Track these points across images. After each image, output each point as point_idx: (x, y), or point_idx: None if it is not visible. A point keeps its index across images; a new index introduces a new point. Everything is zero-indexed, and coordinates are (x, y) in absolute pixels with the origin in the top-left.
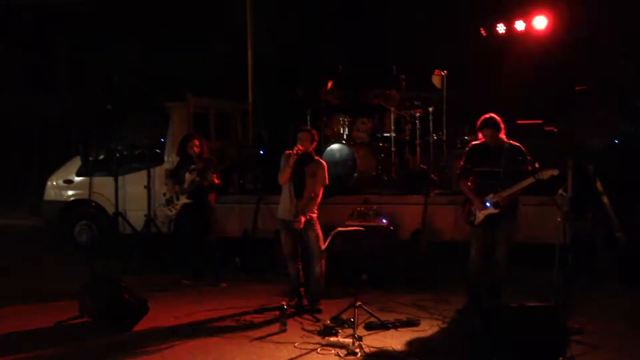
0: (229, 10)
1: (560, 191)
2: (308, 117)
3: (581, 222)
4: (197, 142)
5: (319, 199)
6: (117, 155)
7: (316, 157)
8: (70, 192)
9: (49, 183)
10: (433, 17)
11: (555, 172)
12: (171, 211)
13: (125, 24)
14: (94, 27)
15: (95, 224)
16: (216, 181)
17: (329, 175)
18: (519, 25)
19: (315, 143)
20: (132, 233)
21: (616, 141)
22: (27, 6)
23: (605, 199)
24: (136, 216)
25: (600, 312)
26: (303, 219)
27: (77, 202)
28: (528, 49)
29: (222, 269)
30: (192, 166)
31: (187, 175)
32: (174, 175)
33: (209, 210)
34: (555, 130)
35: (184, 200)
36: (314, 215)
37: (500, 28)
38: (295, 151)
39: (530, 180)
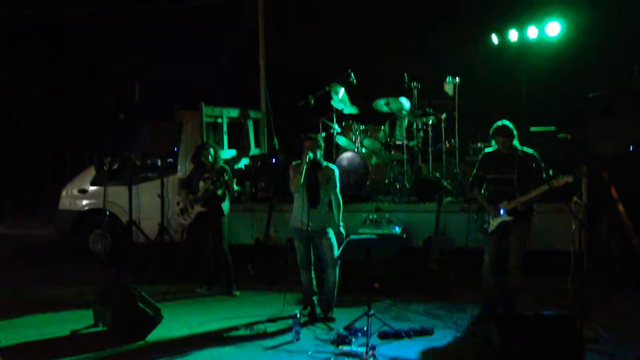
0: (241, 19)
1: (575, 198)
2: (320, 125)
3: (596, 230)
4: (210, 151)
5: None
6: (131, 164)
7: (326, 163)
8: (84, 202)
9: (63, 192)
10: (445, 24)
11: (570, 179)
12: (186, 220)
13: (138, 34)
14: (108, 38)
15: (110, 233)
16: (234, 187)
17: (341, 183)
18: (532, 31)
19: (322, 149)
20: (145, 242)
21: (631, 148)
22: (41, 17)
23: (620, 206)
24: (150, 225)
25: (616, 320)
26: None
27: (91, 212)
28: (541, 56)
29: (235, 277)
30: (206, 174)
31: (201, 184)
32: (187, 184)
33: (222, 218)
34: (569, 137)
35: (198, 208)
36: (327, 224)
37: (513, 35)
38: (305, 159)
39: (545, 187)
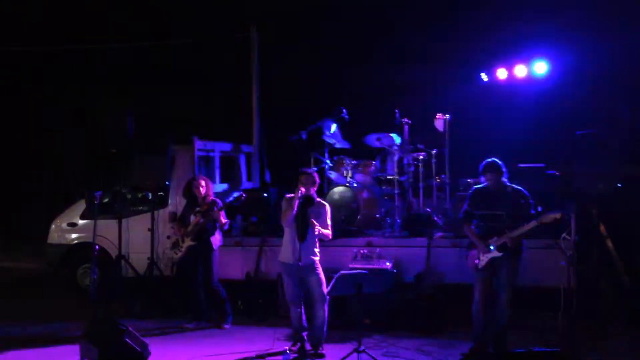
0: (234, 53)
1: (564, 235)
2: (311, 160)
3: (585, 266)
4: (202, 184)
5: (330, 237)
6: (121, 198)
7: (318, 199)
8: (73, 235)
9: (52, 226)
10: (436, 61)
11: (558, 216)
12: (177, 254)
13: (132, 68)
14: (99, 70)
15: (98, 268)
16: (223, 220)
17: (332, 218)
18: (520, 70)
19: (316, 185)
20: (134, 276)
21: (619, 185)
22: (33, 51)
23: (609, 243)
24: (139, 259)
25: (605, 357)
26: None
27: (80, 245)
28: (529, 94)
29: (226, 311)
30: (197, 208)
31: (192, 218)
32: (179, 218)
33: (212, 252)
34: (557, 173)
35: (188, 242)
36: (317, 259)
37: (502, 73)
38: (297, 194)
39: (533, 224)
